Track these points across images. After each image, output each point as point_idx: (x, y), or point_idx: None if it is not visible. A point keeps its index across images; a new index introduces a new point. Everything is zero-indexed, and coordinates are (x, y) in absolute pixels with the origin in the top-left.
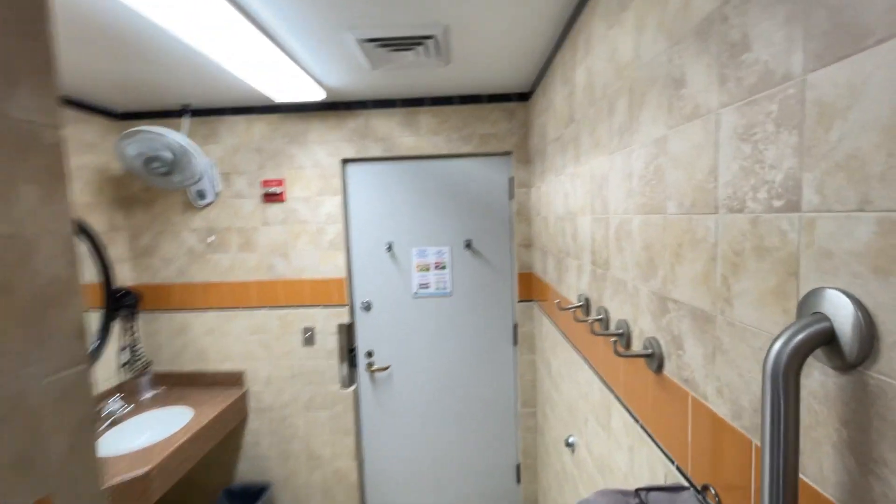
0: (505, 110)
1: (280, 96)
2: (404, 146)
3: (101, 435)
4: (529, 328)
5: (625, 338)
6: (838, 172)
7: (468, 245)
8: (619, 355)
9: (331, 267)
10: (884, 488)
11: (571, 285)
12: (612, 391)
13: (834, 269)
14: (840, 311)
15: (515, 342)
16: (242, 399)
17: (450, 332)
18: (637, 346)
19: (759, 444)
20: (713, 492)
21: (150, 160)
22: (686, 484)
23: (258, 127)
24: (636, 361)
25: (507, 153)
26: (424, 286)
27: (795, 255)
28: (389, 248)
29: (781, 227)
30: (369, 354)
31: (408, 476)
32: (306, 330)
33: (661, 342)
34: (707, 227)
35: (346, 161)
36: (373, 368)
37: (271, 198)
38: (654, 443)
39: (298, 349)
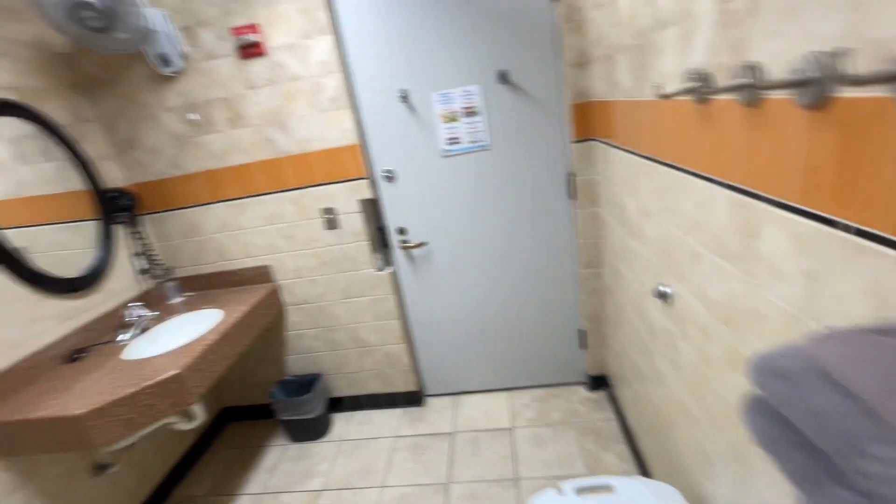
0: None
1: None
2: None
3: (131, 340)
4: (589, 175)
5: (816, 85)
6: None
7: (503, 78)
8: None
9: (338, 132)
10: None
11: (668, 72)
12: (760, 197)
13: None
14: None
15: (572, 195)
16: (274, 294)
17: (491, 192)
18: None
19: None
20: None
21: (76, 7)
22: None
23: None
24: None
25: None
26: (454, 141)
27: None
28: (405, 98)
29: None
30: (402, 231)
31: (461, 352)
32: (326, 211)
33: None
34: None
35: None
36: (407, 246)
37: (249, 51)
38: (875, 241)
39: (322, 234)
